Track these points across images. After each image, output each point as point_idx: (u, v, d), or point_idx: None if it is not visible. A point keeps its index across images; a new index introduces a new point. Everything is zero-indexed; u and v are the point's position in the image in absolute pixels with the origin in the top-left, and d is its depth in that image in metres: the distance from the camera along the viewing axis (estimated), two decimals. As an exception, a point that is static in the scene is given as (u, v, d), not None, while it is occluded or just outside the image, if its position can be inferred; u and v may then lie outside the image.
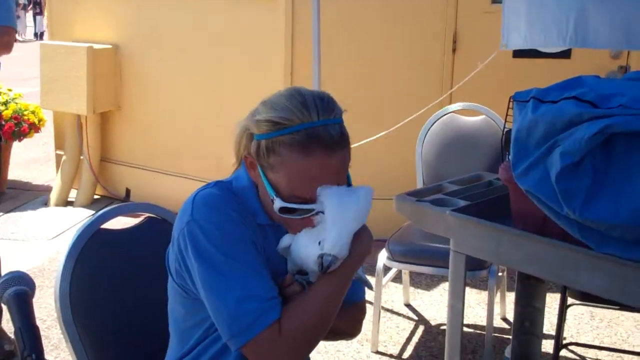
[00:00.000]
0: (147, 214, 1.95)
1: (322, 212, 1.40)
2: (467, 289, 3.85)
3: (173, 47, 5.10)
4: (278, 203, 1.41)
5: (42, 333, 1.15)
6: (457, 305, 2.13)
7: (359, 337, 3.35)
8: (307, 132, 1.37)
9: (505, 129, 2.03)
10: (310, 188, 1.39)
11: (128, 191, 5.52)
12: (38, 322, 1.16)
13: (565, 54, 4.01)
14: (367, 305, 3.62)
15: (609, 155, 1.70)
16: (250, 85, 4.60)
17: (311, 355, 1.56)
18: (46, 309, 3.62)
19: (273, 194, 1.41)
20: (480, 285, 3.89)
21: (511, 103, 1.93)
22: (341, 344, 3.28)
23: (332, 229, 1.38)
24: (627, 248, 1.71)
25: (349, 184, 1.48)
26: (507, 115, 1.97)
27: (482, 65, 3.58)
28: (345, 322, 1.62)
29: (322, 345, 3.26)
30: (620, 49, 3.86)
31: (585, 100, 1.72)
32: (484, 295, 3.68)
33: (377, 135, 3.99)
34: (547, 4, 2.69)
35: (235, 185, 1.51)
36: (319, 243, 1.39)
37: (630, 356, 3.23)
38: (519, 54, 4.03)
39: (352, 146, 1.46)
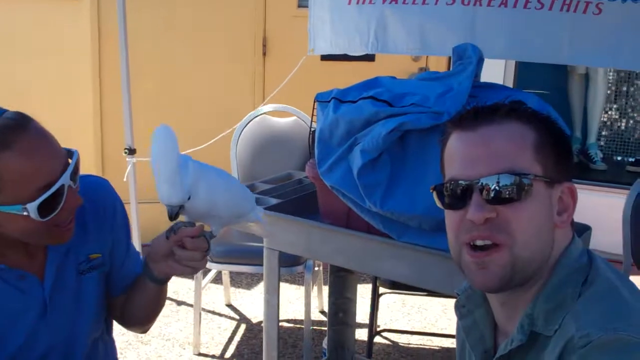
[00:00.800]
0: None
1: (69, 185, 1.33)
2: (287, 285, 3.95)
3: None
4: (32, 208, 1.28)
5: None
6: (272, 300, 2.19)
7: (180, 340, 3.35)
8: None
9: (312, 129, 2.12)
10: (38, 173, 1.28)
11: None
12: None
13: (370, 57, 4.21)
14: (187, 307, 3.66)
15: (404, 150, 1.83)
16: (59, 92, 4.40)
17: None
18: None
19: (19, 208, 1.28)
20: (299, 280, 3.99)
21: (316, 104, 2.02)
22: (163, 349, 3.25)
23: (156, 180, 1.33)
24: (424, 236, 1.85)
25: (70, 153, 1.36)
26: (313, 115, 2.05)
27: (294, 71, 3.69)
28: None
29: (143, 351, 3.22)
30: (417, 55, 4.12)
31: (381, 99, 1.83)
32: (302, 290, 3.79)
33: (198, 148, 3.95)
34: (349, 12, 2.82)
35: None
36: None
37: (439, 338, 3.45)
38: (326, 57, 4.16)
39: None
